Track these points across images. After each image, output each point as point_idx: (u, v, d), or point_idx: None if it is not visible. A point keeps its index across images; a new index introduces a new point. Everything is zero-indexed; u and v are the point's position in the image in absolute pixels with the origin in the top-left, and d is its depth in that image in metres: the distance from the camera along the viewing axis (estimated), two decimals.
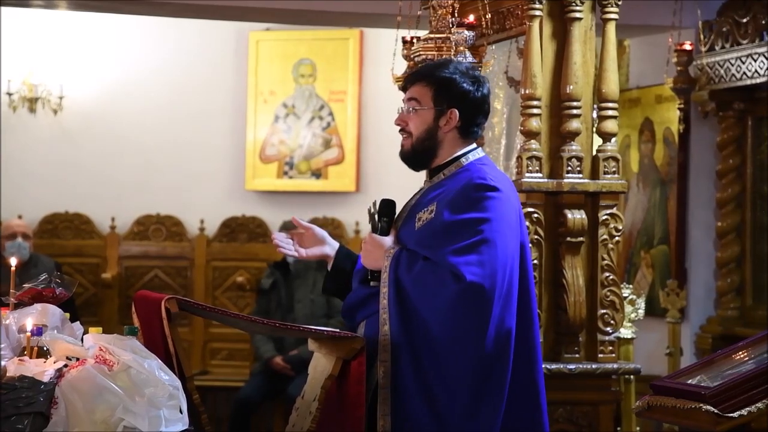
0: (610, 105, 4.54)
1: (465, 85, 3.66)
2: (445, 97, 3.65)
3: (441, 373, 3.46)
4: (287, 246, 3.86)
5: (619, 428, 5.81)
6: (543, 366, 3.69)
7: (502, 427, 3.51)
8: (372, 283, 3.65)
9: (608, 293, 4.50)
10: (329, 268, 3.87)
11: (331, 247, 3.87)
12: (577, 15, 4.48)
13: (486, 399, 3.47)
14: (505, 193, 3.57)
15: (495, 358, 3.47)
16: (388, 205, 3.74)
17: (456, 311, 3.43)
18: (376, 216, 3.74)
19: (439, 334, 3.46)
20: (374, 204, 3.76)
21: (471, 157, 3.69)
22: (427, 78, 3.70)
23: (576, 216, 4.43)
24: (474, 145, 3.73)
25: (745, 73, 6.67)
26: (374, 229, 3.73)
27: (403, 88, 3.80)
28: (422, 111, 3.67)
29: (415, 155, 3.71)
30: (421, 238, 3.57)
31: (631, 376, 5.78)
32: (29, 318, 3.39)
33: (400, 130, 3.73)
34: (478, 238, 3.47)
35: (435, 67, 3.78)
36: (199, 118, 9.20)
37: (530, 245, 4.06)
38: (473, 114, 3.68)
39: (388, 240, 3.67)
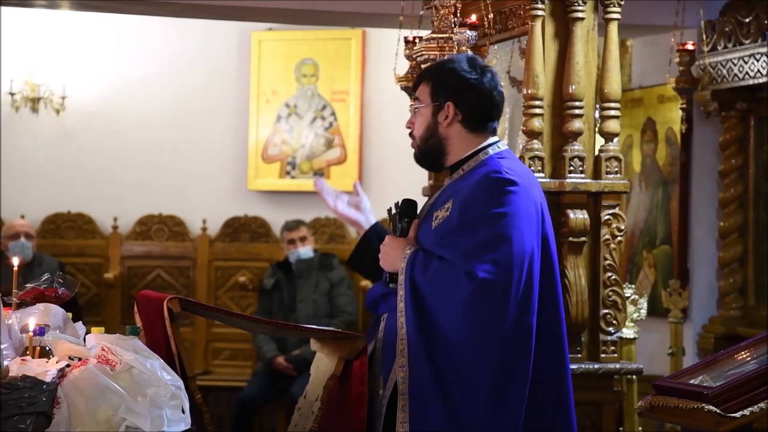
0: (613, 105, 4.53)
1: (464, 73, 3.53)
2: (442, 91, 3.54)
3: (459, 377, 3.33)
4: (329, 192, 3.76)
5: (621, 428, 5.81)
6: None
7: (528, 428, 3.39)
8: (391, 285, 3.56)
9: (610, 293, 4.49)
10: (358, 243, 3.80)
11: (367, 220, 3.78)
12: (580, 15, 4.47)
13: (506, 401, 3.34)
14: (522, 186, 3.44)
15: (514, 358, 3.35)
16: (409, 205, 3.63)
17: (470, 311, 3.32)
18: (398, 217, 3.63)
19: (455, 335, 3.34)
20: (396, 204, 3.66)
21: (491, 151, 3.56)
22: (427, 75, 3.62)
23: (578, 216, 4.42)
24: (494, 139, 3.59)
25: (747, 73, 6.66)
26: (394, 231, 3.63)
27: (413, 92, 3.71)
28: (422, 109, 3.58)
29: (423, 156, 3.62)
30: (436, 238, 3.47)
31: (634, 376, 5.77)
32: (32, 318, 3.39)
33: (409, 134, 3.64)
34: (493, 234, 3.35)
35: (437, 63, 3.70)
36: (201, 118, 9.20)
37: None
38: (477, 104, 3.55)
39: (405, 242, 3.56)
